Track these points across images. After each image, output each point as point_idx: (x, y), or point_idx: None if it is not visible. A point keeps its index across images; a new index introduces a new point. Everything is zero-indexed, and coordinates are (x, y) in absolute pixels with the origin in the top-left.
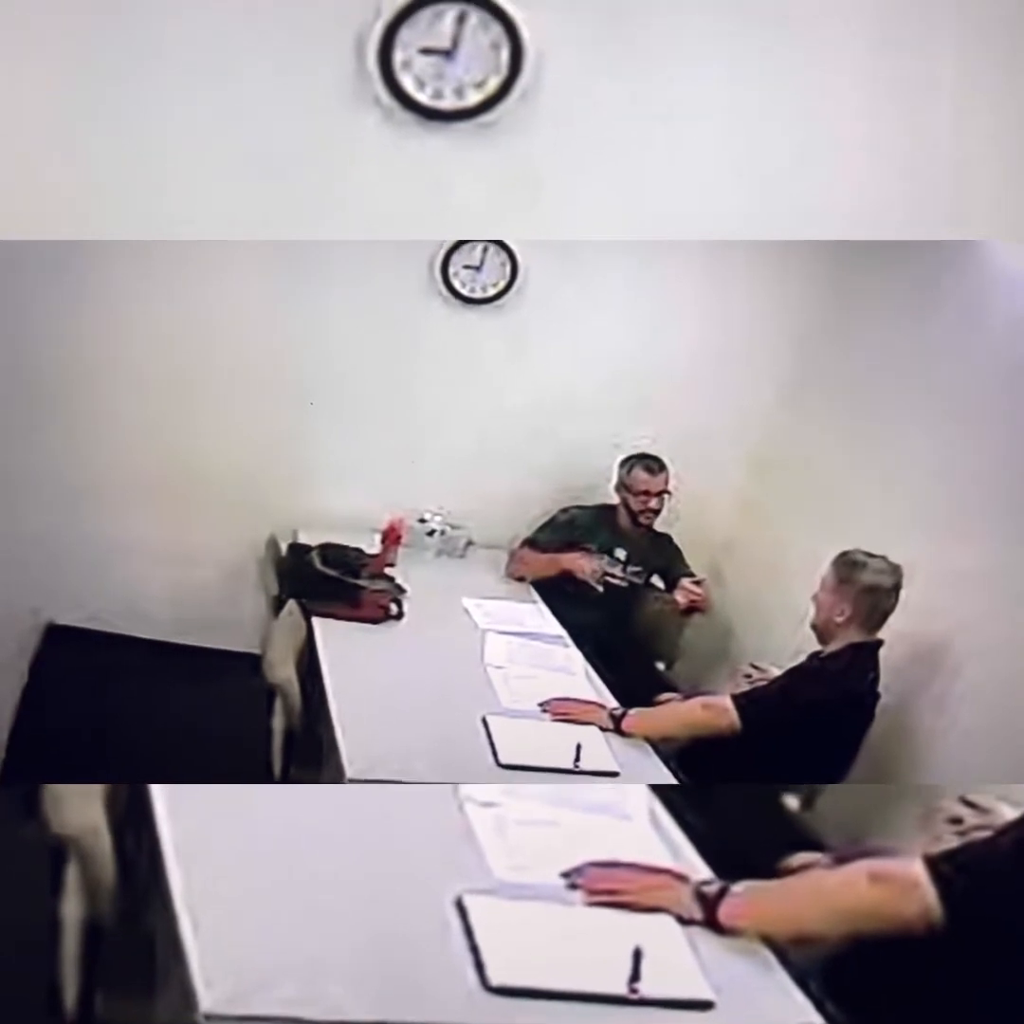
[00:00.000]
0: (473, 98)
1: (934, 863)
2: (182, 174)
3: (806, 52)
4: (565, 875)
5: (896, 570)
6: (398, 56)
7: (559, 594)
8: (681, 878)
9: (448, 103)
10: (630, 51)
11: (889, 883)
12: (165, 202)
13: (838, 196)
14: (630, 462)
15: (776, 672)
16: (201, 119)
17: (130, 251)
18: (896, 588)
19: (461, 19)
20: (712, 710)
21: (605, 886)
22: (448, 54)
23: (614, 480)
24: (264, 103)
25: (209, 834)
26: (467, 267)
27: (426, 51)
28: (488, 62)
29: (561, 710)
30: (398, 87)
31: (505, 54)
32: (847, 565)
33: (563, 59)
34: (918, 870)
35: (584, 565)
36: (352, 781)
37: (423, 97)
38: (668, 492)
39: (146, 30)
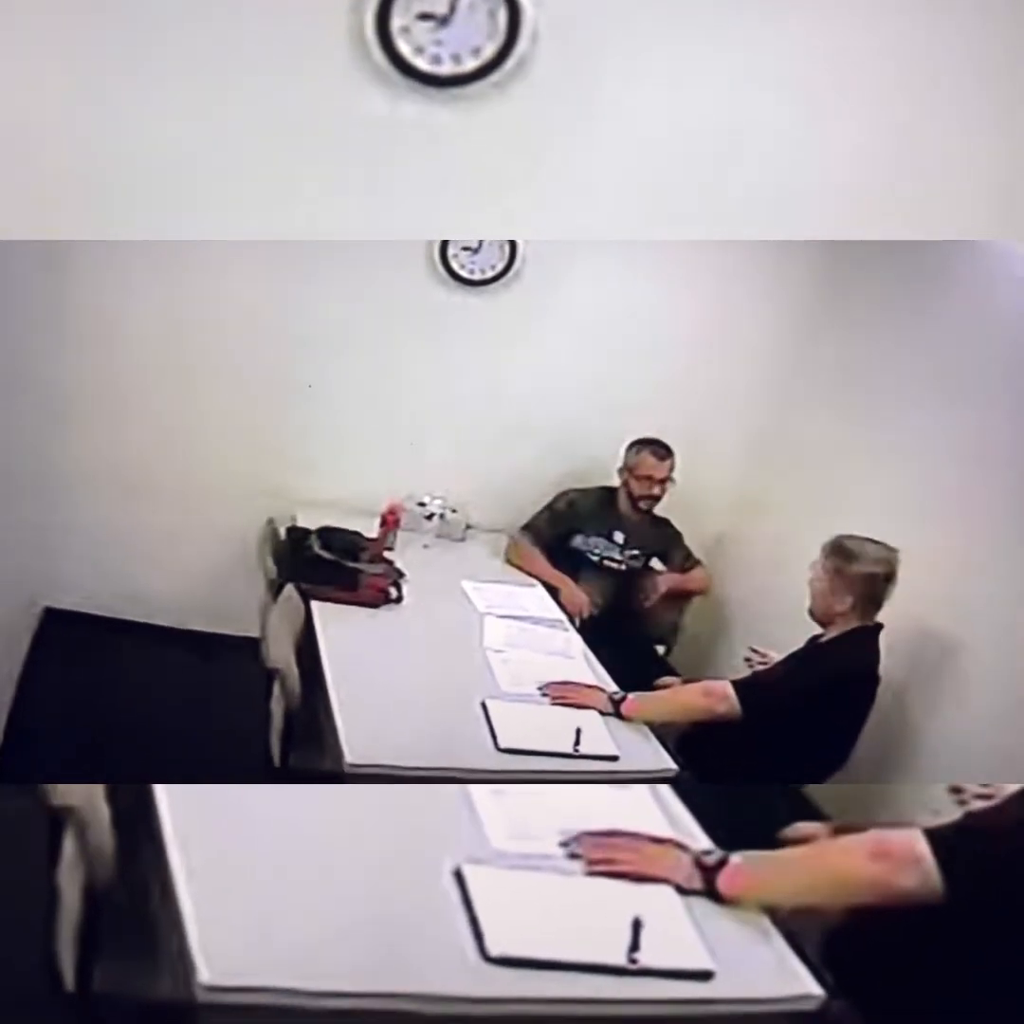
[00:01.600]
0: (470, 64)
1: (935, 836)
2: (180, 145)
3: (808, 46)
4: (564, 844)
5: (891, 554)
6: (396, 22)
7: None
8: (681, 847)
9: (446, 69)
10: (627, 19)
11: (890, 855)
12: (165, 175)
13: (837, 194)
14: (638, 445)
15: (776, 656)
16: (197, 91)
17: (126, 231)
18: (892, 572)
19: None
20: (713, 696)
21: (605, 855)
22: (445, 20)
23: (620, 462)
24: (261, 69)
25: (208, 806)
26: (465, 249)
27: (424, 17)
28: (485, 28)
29: (561, 694)
30: (396, 52)
31: (502, 20)
32: (840, 553)
33: (560, 26)
34: (919, 842)
35: (570, 597)
36: (351, 765)
37: (421, 63)
38: (672, 479)
39: (143, 15)
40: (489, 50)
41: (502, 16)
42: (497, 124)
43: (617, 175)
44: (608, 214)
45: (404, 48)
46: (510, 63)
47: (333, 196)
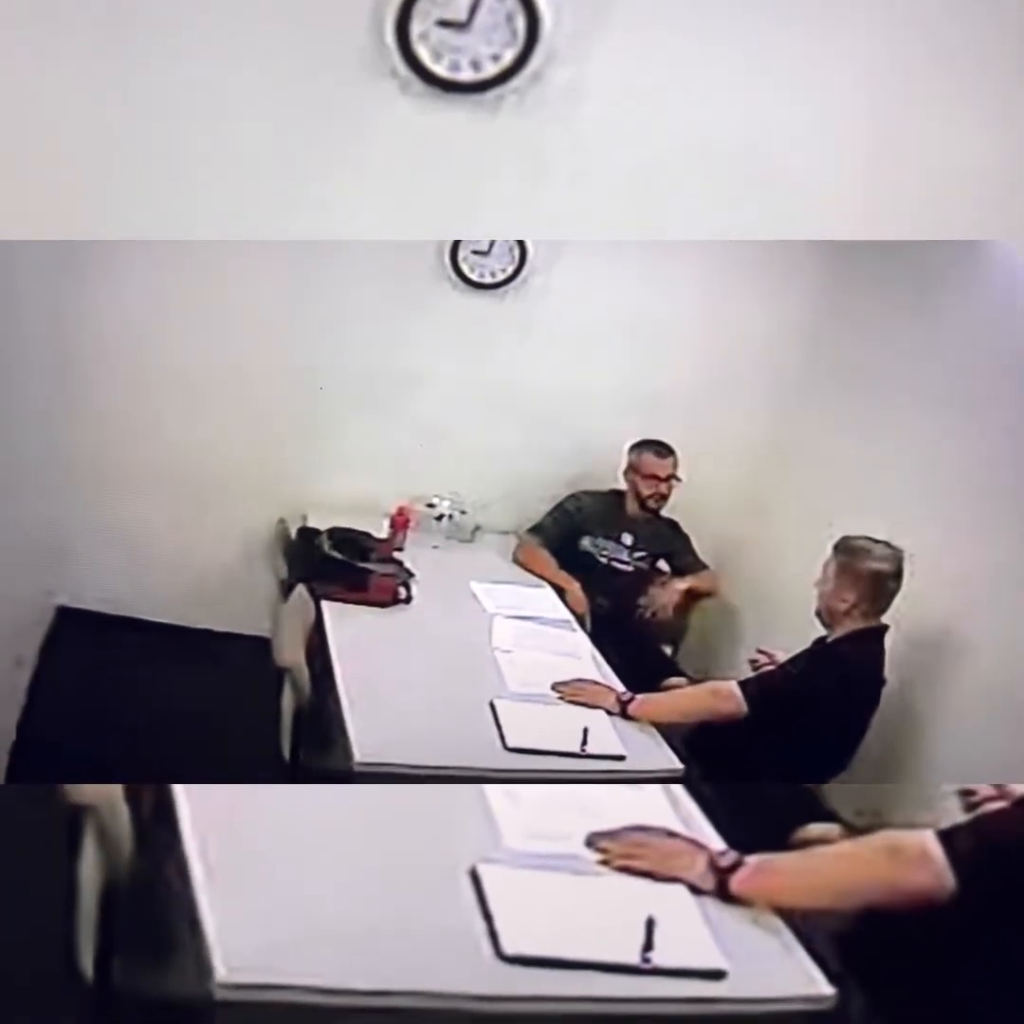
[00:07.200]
0: (489, 70)
1: (947, 836)
2: (198, 144)
3: (814, 49)
4: (588, 842)
5: (897, 554)
6: (415, 28)
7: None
8: (697, 846)
9: (465, 75)
10: (645, 25)
11: (903, 856)
12: (179, 177)
13: (844, 196)
14: (639, 447)
15: (782, 657)
16: (216, 91)
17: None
18: (898, 572)
19: None
20: (719, 696)
21: (625, 851)
22: (465, 26)
23: (623, 465)
24: (280, 75)
25: (225, 805)
26: (475, 252)
27: (443, 23)
28: (504, 34)
29: (573, 692)
30: (415, 59)
31: (521, 26)
32: (848, 552)
33: (578, 32)
34: (932, 843)
35: (575, 596)
36: (360, 764)
37: (440, 69)
38: (677, 477)
39: (156, 9)
40: (508, 56)
41: (521, 23)
42: (516, 130)
43: (634, 181)
44: (624, 220)
45: (423, 54)
46: (529, 70)
47: (349, 199)
